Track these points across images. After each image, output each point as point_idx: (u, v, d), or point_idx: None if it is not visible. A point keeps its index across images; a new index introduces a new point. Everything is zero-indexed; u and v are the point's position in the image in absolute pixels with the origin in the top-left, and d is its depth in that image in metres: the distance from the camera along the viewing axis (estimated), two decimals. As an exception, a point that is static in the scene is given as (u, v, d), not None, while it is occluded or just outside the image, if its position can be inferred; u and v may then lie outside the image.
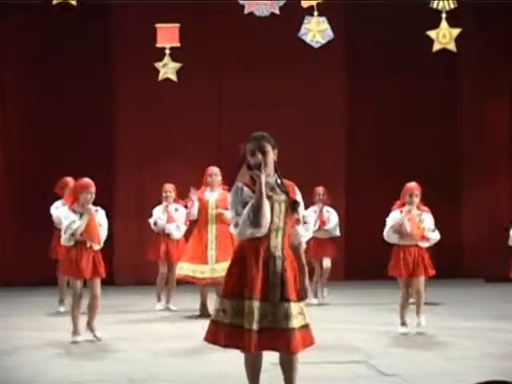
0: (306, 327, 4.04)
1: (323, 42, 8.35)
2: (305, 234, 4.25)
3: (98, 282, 6.62)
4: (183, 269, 8.03)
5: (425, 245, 6.91)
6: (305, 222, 4.23)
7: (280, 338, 3.95)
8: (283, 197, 4.07)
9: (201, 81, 11.61)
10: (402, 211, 6.80)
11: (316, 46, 8.36)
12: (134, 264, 11.62)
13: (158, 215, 8.77)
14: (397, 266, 6.80)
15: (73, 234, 6.42)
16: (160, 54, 9.33)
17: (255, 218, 3.90)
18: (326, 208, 9.27)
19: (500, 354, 5.90)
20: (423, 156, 12.10)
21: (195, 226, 8.27)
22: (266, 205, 3.95)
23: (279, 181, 4.12)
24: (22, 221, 11.57)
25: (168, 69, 9.28)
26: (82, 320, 6.69)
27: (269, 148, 4.08)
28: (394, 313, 7.37)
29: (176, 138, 11.85)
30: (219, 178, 8.12)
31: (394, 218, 6.80)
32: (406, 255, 6.78)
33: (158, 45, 9.21)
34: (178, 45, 9.15)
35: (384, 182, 11.14)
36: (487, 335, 6.81)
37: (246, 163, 4.09)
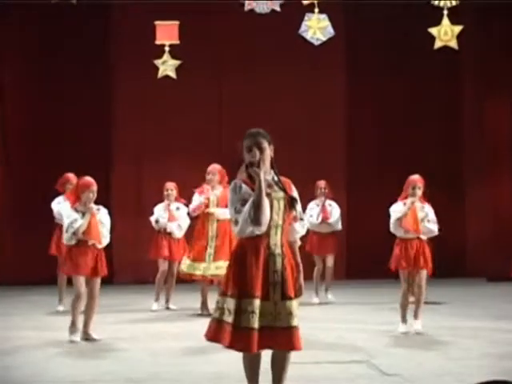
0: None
1: (324, 39, 8.31)
2: (300, 230, 4.26)
3: (98, 281, 6.61)
4: (186, 265, 8.02)
5: (424, 236, 6.88)
6: (301, 219, 4.22)
7: (281, 336, 3.94)
8: (281, 194, 4.07)
9: (200, 78, 11.60)
10: (405, 203, 6.78)
11: (316, 43, 8.32)
12: (132, 263, 11.62)
13: (160, 213, 8.75)
14: (398, 259, 6.77)
15: (74, 233, 6.40)
16: (159, 52, 9.31)
17: (255, 216, 3.89)
18: (329, 202, 9.26)
19: (501, 353, 5.87)
20: (424, 155, 12.06)
21: (197, 223, 8.25)
22: (266, 202, 3.94)
23: (276, 178, 4.12)
24: (21, 219, 11.57)
25: (167, 66, 9.26)
26: (80, 320, 6.65)
27: (265, 144, 4.07)
28: (395, 312, 7.34)
29: (175, 136, 11.84)
30: (217, 176, 8.08)
31: (397, 209, 6.77)
32: (408, 248, 6.76)
33: (158, 42, 9.19)
34: (178, 42, 9.13)
35: (385, 182, 11.11)
36: (488, 335, 6.77)
37: (243, 160, 4.08)
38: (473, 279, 11.62)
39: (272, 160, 4.11)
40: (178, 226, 8.70)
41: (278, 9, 8.30)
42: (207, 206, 8.06)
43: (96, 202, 6.57)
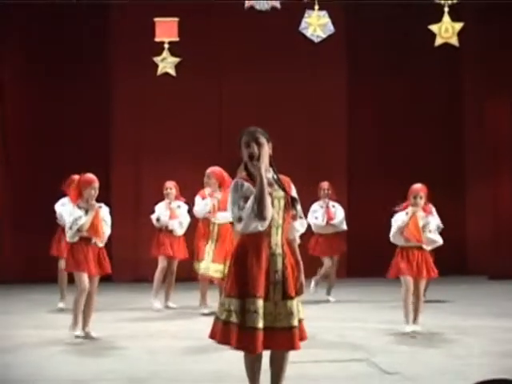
0: (301, 321, 4.06)
1: (324, 36, 8.27)
2: (300, 229, 4.24)
3: (97, 279, 6.58)
4: (208, 269, 8.01)
5: (428, 247, 6.84)
6: (300, 217, 4.20)
7: (282, 336, 3.94)
8: (281, 193, 4.06)
9: (200, 76, 11.58)
10: (407, 213, 6.74)
11: (316, 40, 8.28)
12: (132, 261, 11.62)
13: (161, 212, 8.75)
14: (398, 266, 6.72)
15: (79, 230, 6.36)
16: (159, 49, 9.29)
17: (259, 210, 3.88)
18: (332, 203, 9.23)
19: (503, 352, 5.85)
20: (425, 154, 12.06)
21: (199, 225, 8.24)
22: (268, 196, 3.92)
23: (276, 176, 4.10)
24: (21, 218, 11.57)
25: (167, 63, 9.23)
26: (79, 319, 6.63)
27: (263, 140, 4.05)
28: (395, 310, 7.32)
29: (174, 135, 11.83)
30: (213, 179, 8.07)
31: (399, 219, 6.73)
32: (409, 256, 6.71)
33: (157, 39, 9.16)
34: (177, 39, 9.11)
35: (386, 180, 11.11)
36: (490, 333, 6.75)
37: (241, 157, 4.06)
38: (474, 277, 11.60)
39: (271, 158, 4.09)
40: (180, 223, 8.71)
41: (278, 6, 8.26)
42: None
43: (96, 201, 6.55)
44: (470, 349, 5.99)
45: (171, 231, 8.71)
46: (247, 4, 8.26)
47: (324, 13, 8.23)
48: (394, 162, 11.90)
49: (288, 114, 11.82)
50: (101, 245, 6.54)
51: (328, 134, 12.17)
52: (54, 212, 8.46)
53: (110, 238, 6.72)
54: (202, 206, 8.09)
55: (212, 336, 4.07)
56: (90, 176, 6.55)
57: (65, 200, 8.40)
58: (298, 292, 4.06)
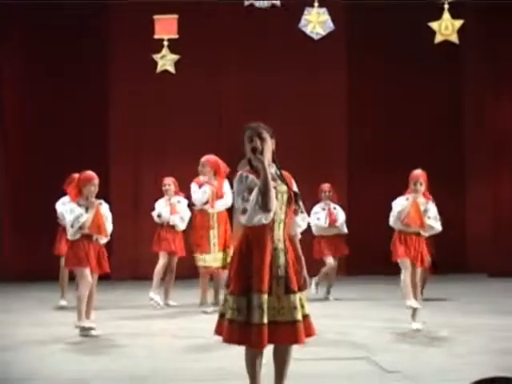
0: (307, 317, 4.04)
1: (323, 33, 8.26)
2: (302, 224, 4.25)
3: (96, 277, 6.56)
4: (216, 260, 8.05)
5: (426, 234, 6.84)
6: (301, 212, 4.20)
7: (285, 330, 3.94)
8: (284, 188, 4.06)
9: (200, 73, 11.57)
10: (407, 198, 6.74)
11: (316, 37, 8.27)
12: (131, 259, 11.61)
13: (161, 208, 8.77)
14: (396, 250, 6.72)
15: (81, 228, 6.34)
16: (158, 46, 9.27)
17: (263, 202, 3.87)
18: (333, 205, 9.20)
19: (503, 349, 5.84)
20: (426, 151, 12.02)
21: (196, 216, 8.23)
22: (273, 188, 3.93)
23: (278, 171, 4.10)
24: (20, 216, 11.57)
25: (166, 61, 9.22)
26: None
27: (266, 135, 4.05)
28: (395, 309, 7.31)
29: (173, 132, 11.83)
30: (207, 168, 8.06)
31: (399, 203, 6.73)
32: (407, 241, 6.71)
33: (156, 36, 9.15)
34: (177, 36, 9.09)
35: (386, 178, 11.08)
36: (490, 331, 6.74)
37: (244, 152, 4.05)
38: (474, 275, 11.59)
39: (274, 154, 4.09)
40: (181, 218, 8.75)
41: (278, 3, 8.24)
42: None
43: (96, 198, 6.54)
44: (469, 347, 5.98)
45: (173, 226, 8.74)
46: (247, 1, 8.25)
47: (324, 10, 8.21)
48: (395, 158, 11.88)
49: (288, 109, 11.80)
50: (105, 240, 6.54)
51: (328, 131, 12.15)
52: (55, 211, 8.44)
53: (110, 235, 6.71)
54: (200, 194, 8.09)
55: (218, 332, 4.07)
56: (90, 173, 6.54)
57: (65, 199, 8.37)
58: (302, 287, 4.06)
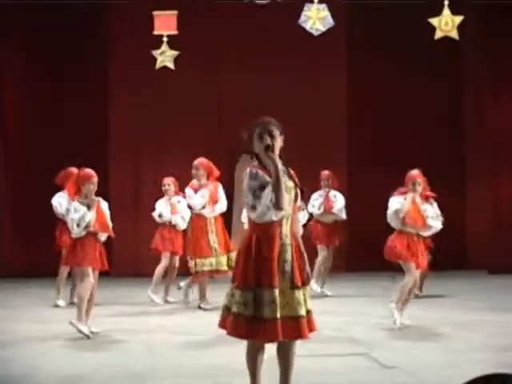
0: (309, 312, 4.06)
1: (323, 29, 8.25)
2: (302, 220, 4.29)
3: (97, 274, 6.56)
4: (219, 263, 8.03)
5: (426, 233, 6.83)
6: (302, 209, 4.24)
7: (289, 325, 3.94)
8: (291, 183, 4.09)
9: (199, 70, 11.54)
10: (405, 198, 6.73)
11: (316, 33, 8.26)
12: (130, 256, 11.62)
13: (162, 208, 8.79)
14: (400, 251, 6.70)
15: (87, 226, 6.33)
16: (158, 42, 9.26)
17: (276, 200, 3.90)
18: (333, 192, 9.20)
19: (503, 346, 5.84)
20: (426, 150, 12.03)
21: (193, 220, 8.22)
22: (284, 186, 3.96)
23: (285, 168, 4.11)
24: (20, 214, 11.58)
25: (165, 57, 9.22)
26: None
27: (277, 133, 4.07)
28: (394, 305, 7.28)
29: (173, 129, 11.81)
30: (201, 171, 8.07)
31: (397, 200, 6.72)
32: (409, 241, 6.70)
33: (156, 32, 9.14)
34: (176, 32, 9.08)
35: (386, 174, 11.05)
36: (490, 327, 6.74)
37: (252, 147, 4.06)
38: (474, 272, 11.60)
39: (281, 150, 4.10)
40: (182, 217, 8.76)
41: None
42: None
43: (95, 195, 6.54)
44: (469, 343, 5.98)
45: (174, 226, 8.76)
46: (247, -1, 8.25)
47: (323, 6, 8.20)
48: (397, 151, 11.88)
49: (287, 110, 11.70)
50: (107, 235, 6.52)
51: (328, 132, 12.13)
52: (52, 208, 8.43)
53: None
54: (198, 198, 8.08)
55: (222, 326, 4.07)
56: (89, 171, 6.51)
57: (60, 194, 8.36)
58: (305, 282, 4.08)
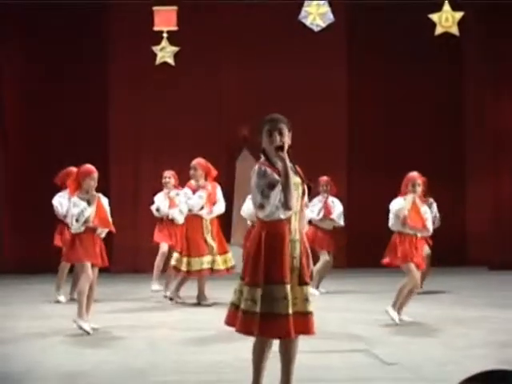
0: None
1: (323, 25, 8.23)
2: (307, 217, 4.29)
3: (97, 270, 6.56)
4: (215, 262, 8.02)
5: (425, 234, 6.83)
6: (307, 206, 4.25)
7: (297, 321, 3.94)
8: (298, 180, 4.10)
9: (199, 65, 11.52)
10: (405, 199, 6.72)
11: (316, 29, 8.24)
12: (130, 252, 11.62)
13: (160, 202, 8.79)
14: (400, 254, 6.70)
15: (86, 221, 6.32)
16: (158, 38, 9.25)
17: (285, 200, 3.92)
18: (331, 198, 9.19)
19: (503, 342, 5.83)
20: (426, 148, 12.03)
21: (189, 219, 8.21)
22: (293, 186, 3.98)
23: (292, 164, 4.12)
24: (20, 213, 11.59)
25: (165, 52, 9.20)
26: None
27: (286, 131, 4.09)
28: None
29: (173, 125, 11.80)
30: (199, 171, 8.05)
31: (398, 203, 6.72)
32: (408, 242, 6.69)
33: (156, 28, 9.13)
34: (176, 28, 9.06)
35: (386, 172, 11.06)
36: (490, 324, 6.74)
37: (262, 144, 4.07)
38: (474, 268, 11.60)
39: (289, 147, 4.11)
40: (180, 211, 8.73)
41: (277, -4, 8.23)
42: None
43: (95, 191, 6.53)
44: (469, 339, 5.98)
45: (172, 220, 8.75)
46: (247, -1, 8.23)
47: (324, 2, 8.18)
48: (397, 151, 11.88)
49: (287, 109, 11.61)
50: (107, 231, 6.51)
51: (328, 132, 12.12)
52: (52, 207, 8.42)
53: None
54: (196, 199, 8.07)
55: (229, 323, 4.06)
56: (89, 167, 6.50)
57: (61, 194, 8.36)
58: (310, 279, 4.10)
